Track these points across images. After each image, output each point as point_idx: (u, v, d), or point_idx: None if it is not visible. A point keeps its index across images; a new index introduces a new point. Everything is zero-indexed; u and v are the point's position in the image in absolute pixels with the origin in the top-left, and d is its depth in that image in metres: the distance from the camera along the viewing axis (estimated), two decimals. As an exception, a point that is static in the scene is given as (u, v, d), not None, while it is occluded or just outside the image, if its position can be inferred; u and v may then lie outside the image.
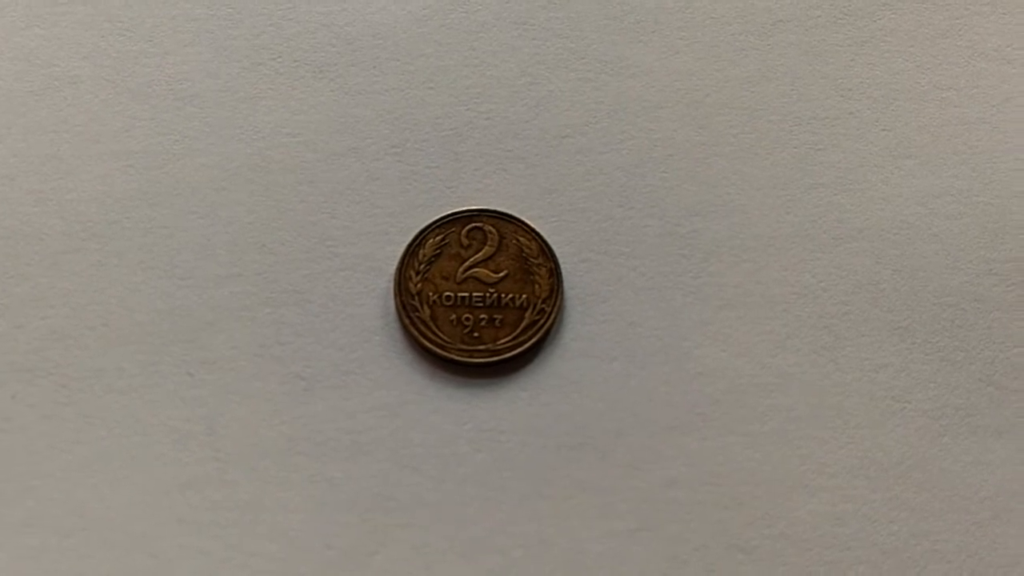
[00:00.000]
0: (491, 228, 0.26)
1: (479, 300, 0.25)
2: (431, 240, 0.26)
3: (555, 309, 0.25)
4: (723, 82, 0.28)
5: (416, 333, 0.25)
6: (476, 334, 0.25)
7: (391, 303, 0.25)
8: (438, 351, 0.25)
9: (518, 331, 0.25)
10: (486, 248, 0.26)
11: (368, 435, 0.24)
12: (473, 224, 0.26)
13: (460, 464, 0.24)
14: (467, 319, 0.25)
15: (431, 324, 0.25)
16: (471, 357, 0.25)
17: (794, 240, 0.26)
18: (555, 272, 0.25)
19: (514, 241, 0.26)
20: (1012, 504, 0.24)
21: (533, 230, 0.26)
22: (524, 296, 0.25)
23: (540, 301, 0.25)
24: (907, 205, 0.26)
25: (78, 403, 0.24)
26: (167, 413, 0.24)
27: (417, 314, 0.25)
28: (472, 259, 0.26)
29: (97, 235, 0.26)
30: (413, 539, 0.23)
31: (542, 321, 0.25)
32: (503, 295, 0.25)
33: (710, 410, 0.24)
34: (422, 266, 0.25)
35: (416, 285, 0.25)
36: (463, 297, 0.25)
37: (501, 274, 0.25)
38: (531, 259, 0.26)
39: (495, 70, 0.28)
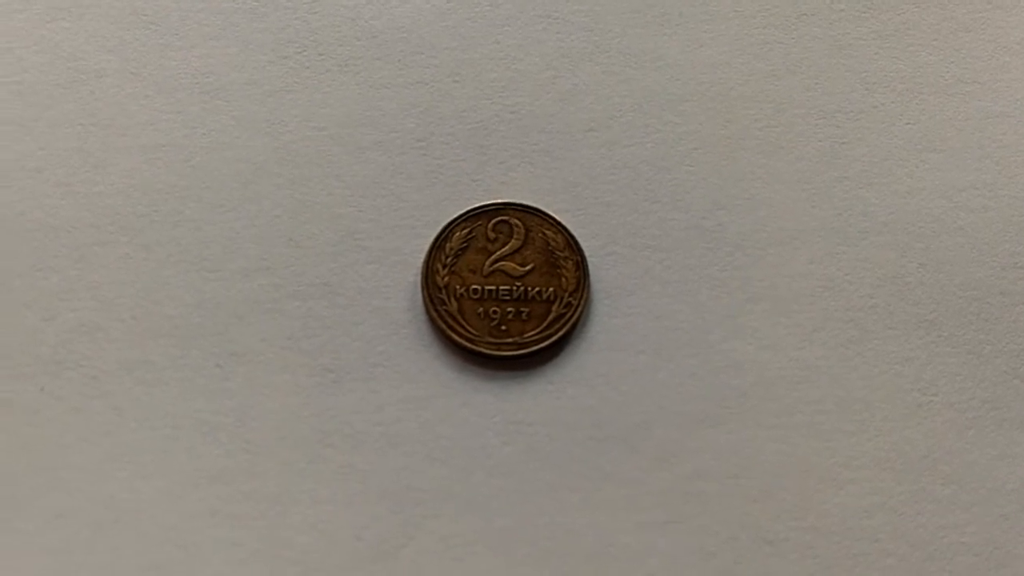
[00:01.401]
0: (517, 221, 0.26)
1: (506, 293, 0.25)
2: (457, 233, 0.26)
3: (582, 302, 0.25)
4: (748, 75, 0.28)
5: (444, 326, 0.25)
6: (503, 327, 0.25)
7: (418, 296, 0.25)
8: (466, 344, 0.25)
9: (545, 324, 0.25)
10: (512, 241, 0.26)
11: (396, 427, 0.24)
12: (499, 217, 0.26)
13: (488, 456, 0.24)
14: (494, 312, 0.25)
15: (458, 317, 0.25)
16: (499, 350, 0.25)
17: (820, 234, 0.26)
18: (581, 265, 0.25)
19: (540, 234, 0.26)
20: (1038, 497, 0.24)
21: (559, 223, 0.26)
22: (551, 289, 0.25)
23: (567, 294, 0.25)
24: (932, 199, 0.26)
25: (107, 396, 0.24)
26: (196, 405, 0.24)
27: (444, 307, 0.25)
28: (499, 252, 0.26)
29: (125, 228, 0.26)
30: (442, 530, 0.24)
31: (569, 314, 0.25)
32: (530, 288, 0.25)
33: (737, 403, 0.25)
34: (449, 259, 0.25)
35: (443, 278, 0.25)
36: (490, 290, 0.25)
37: (528, 267, 0.25)
38: (557, 252, 0.26)
39: (520, 64, 0.28)
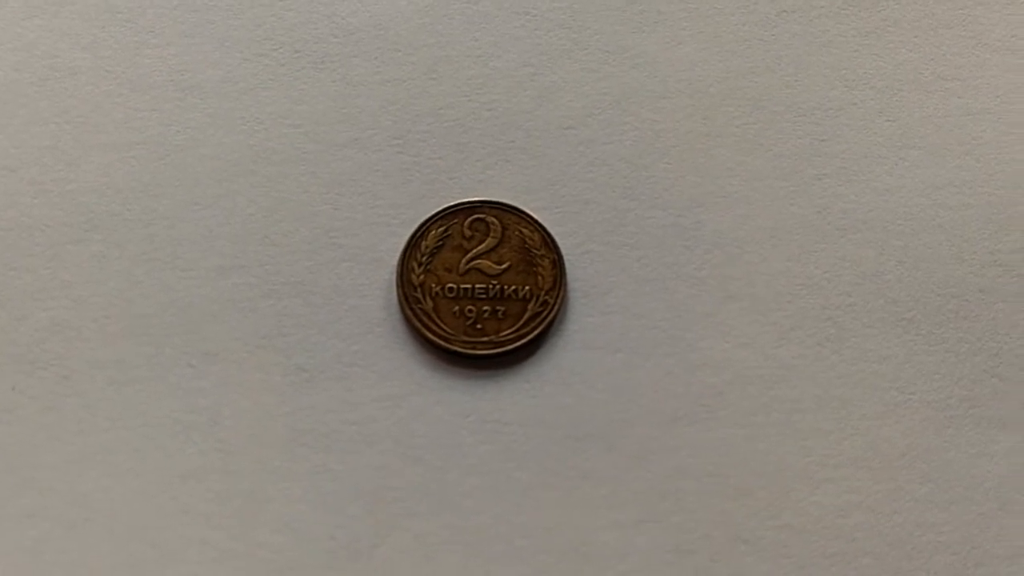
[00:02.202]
0: (494, 219, 0.26)
1: (482, 292, 0.25)
2: (433, 231, 0.26)
3: (558, 301, 0.25)
4: (727, 72, 0.28)
5: (419, 325, 0.25)
6: (479, 326, 0.25)
7: (393, 295, 0.25)
8: (441, 343, 0.25)
9: (521, 323, 0.25)
10: (489, 239, 0.26)
11: (371, 427, 0.24)
12: (476, 215, 0.26)
13: (463, 455, 0.24)
14: (470, 311, 0.25)
15: (434, 316, 0.25)
16: (474, 349, 0.25)
17: (798, 231, 0.26)
18: (558, 264, 0.25)
19: (517, 232, 0.26)
20: (1016, 495, 0.24)
21: (536, 221, 0.26)
22: (527, 288, 0.25)
23: (543, 293, 0.25)
24: (911, 196, 0.26)
25: (80, 395, 0.24)
26: (169, 405, 0.24)
27: (420, 306, 0.25)
28: (475, 251, 0.25)
29: (98, 226, 0.26)
30: (416, 530, 0.23)
31: (545, 313, 0.25)
32: (506, 287, 0.25)
33: (714, 401, 0.24)
34: (424, 258, 0.25)
35: (419, 277, 0.25)
36: (466, 289, 0.25)
37: (504, 266, 0.25)
38: (534, 250, 0.25)
39: (497, 61, 0.28)
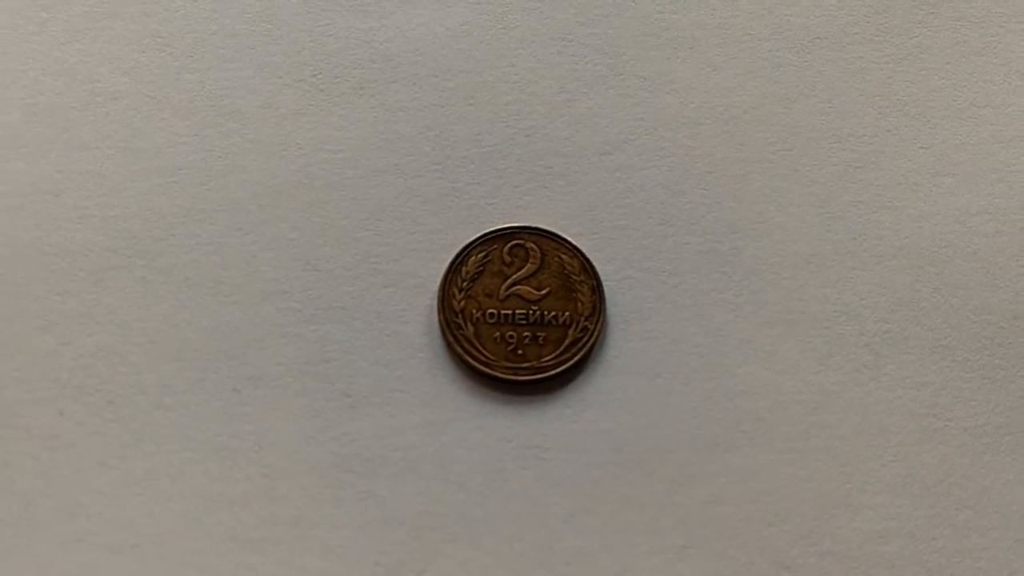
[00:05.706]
0: (533, 245, 0.26)
1: (522, 317, 0.25)
2: (473, 257, 0.26)
3: (598, 326, 0.25)
4: (761, 99, 0.28)
5: (460, 350, 0.25)
6: (520, 351, 0.25)
7: (435, 320, 0.25)
8: (482, 368, 0.25)
9: (562, 348, 0.25)
10: (528, 265, 0.26)
11: (414, 452, 0.24)
12: (515, 241, 0.26)
13: (505, 481, 0.24)
14: (511, 336, 0.25)
15: (475, 341, 0.25)
16: (515, 374, 0.25)
17: (834, 258, 0.26)
18: (597, 289, 0.26)
19: (556, 258, 0.26)
20: (1052, 521, 0.24)
21: (575, 247, 0.26)
22: (567, 313, 0.25)
23: (583, 319, 0.25)
24: (946, 223, 0.27)
25: (125, 420, 0.24)
26: (214, 430, 0.24)
27: (461, 331, 0.25)
28: (515, 276, 0.26)
29: (142, 251, 0.26)
30: (460, 555, 0.24)
31: (585, 338, 0.25)
32: (546, 312, 0.25)
33: (753, 427, 0.25)
34: (465, 283, 0.26)
35: (459, 302, 0.25)
36: (506, 314, 0.25)
37: (544, 291, 0.26)
38: (573, 276, 0.26)
39: (535, 86, 0.28)
